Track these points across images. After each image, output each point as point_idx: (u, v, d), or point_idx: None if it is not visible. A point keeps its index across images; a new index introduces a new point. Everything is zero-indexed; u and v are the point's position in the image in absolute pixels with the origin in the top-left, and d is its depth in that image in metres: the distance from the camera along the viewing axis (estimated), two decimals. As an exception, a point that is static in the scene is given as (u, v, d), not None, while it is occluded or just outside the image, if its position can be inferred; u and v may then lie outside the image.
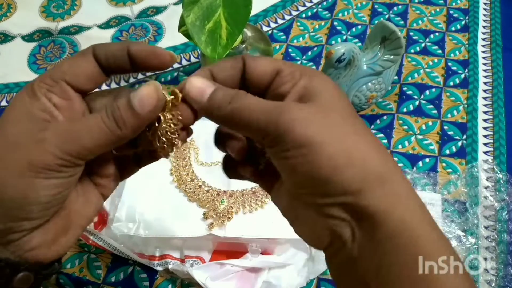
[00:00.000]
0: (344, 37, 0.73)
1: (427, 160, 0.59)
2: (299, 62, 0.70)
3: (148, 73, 0.70)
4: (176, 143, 0.27)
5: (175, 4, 0.81)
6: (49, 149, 0.24)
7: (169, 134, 0.26)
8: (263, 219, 0.49)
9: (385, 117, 0.63)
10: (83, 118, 0.26)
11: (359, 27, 0.75)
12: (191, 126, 0.28)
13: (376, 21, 0.73)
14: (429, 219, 0.24)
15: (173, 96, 0.26)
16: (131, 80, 0.70)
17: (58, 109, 0.26)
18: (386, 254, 0.23)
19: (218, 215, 0.50)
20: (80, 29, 0.78)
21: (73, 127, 0.25)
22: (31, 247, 0.26)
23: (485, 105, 0.64)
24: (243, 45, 0.60)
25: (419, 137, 0.61)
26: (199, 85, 0.26)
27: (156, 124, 0.26)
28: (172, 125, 0.26)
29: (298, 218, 0.27)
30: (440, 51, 0.70)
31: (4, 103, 0.69)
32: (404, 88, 0.66)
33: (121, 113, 0.25)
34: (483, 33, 0.73)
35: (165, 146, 0.27)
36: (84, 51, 0.27)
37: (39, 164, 0.24)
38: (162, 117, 0.26)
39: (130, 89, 0.28)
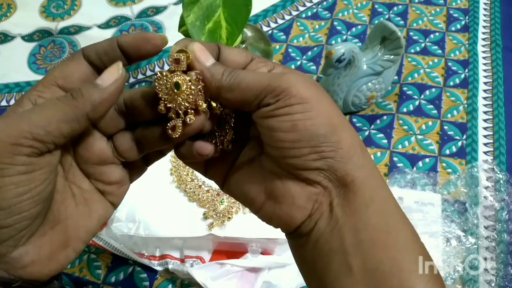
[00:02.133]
0: (344, 37, 0.73)
1: (427, 160, 0.59)
2: (299, 62, 0.70)
3: (148, 73, 0.70)
4: (200, 105, 0.25)
5: (175, 4, 0.81)
6: None
7: (191, 97, 0.25)
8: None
9: (385, 117, 0.63)
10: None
11: (359, 27, 0.75)
12: None
13: (376, 21, 0.73)
14: (388, 190, 0.27)
15: (181, 55, 0.25)
16: (131, 80, 0.70)
17: None
18: (363, 220, 0.25)
19: (218, 215, 0.50)
20: (80, 29, 0.78)
21: (26, 110, 0.24)
22: (23, 265, 0.24)
23: (485, 105, 0.64)
24: (243, 45, 0.60)
25: (419, 137, 0.61)
26: (202, 47, 0.26)
27: (175, 91, 0.25)
28: (192, 87, 0.25)
29: (272, 196, 0.27)
30: (440, 51, 0.70)
31: (4, 103, 0.69)
32: (404, 88, 0.66)
33: (81, 90, 0.24)
34: (483, 33, 0.73)
35: (189, 117, 0.25)
36: (73, 54, 0.27)
37: None
38: (180, 81, 0.25)
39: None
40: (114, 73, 0.25)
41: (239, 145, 0.29)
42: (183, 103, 0.25)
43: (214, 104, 0.27)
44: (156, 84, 0.25)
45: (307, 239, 0.26)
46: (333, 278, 0.25)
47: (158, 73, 0.25)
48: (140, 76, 0.70)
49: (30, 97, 0.25)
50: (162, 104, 0.25)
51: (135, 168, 0.30)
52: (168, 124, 0.25)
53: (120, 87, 0.25)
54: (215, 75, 0.25)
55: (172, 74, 0.25)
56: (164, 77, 0.25)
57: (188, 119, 0.25)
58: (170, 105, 0.25)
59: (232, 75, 0.25)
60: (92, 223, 0.27)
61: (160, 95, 0.25)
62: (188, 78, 0.25)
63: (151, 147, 0.28)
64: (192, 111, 0.25)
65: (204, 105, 0.25)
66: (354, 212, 0.25)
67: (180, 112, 0.25)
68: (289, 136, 0.25)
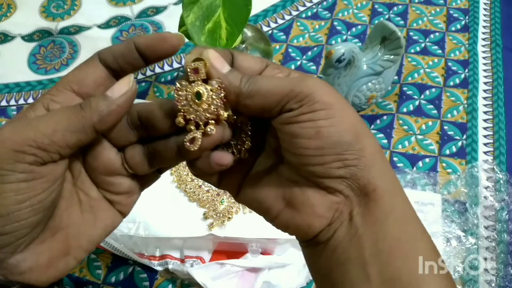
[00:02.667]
0: (344, 37, 0.73)
1: (427, 160, 0.59)
2: (299, 62, 0.70)
3: (148, 73, 0.70)
4: (222, 114, 0.24)
5: (175, 4, 0.81)
6: (1, 142, 0.22)
7: (213, 107, 0.24)
8: (263, 219, 0.49)
9: (385, 117, 0.63)
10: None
11: (359, 27, 0.75)
12: None
13: (376, 21, 0.73)
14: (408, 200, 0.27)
15: (200, 64, 0.24)
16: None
17: None
18: (383, 230, 0.24)
19: (218, 215, 0.50)
20: (80, 29, 0.78)
21: (32, 119, 0.23)
22: (21, 271, 0.24)
23: (485, 105, 0.64)
24: (243, 45, 0.60)
25: (419, 137, 0.61)
26: (217, 55, 0.25)
27: (196, 101, 0.24)
28: (213, 96, 0.24)
29: (290, 204, 0.26)
30: (440, 51, 0.70)
31: (4, 103, 0.69)
32: (404, 88, 0.66)
33: (90, 101, 0.24)
34: (483, 33, 0.73)
35: (209, 127, 0.24)
36: (89, 59, 0.26)
37: None
38: (201, 90, 0.24)
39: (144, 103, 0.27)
40: (124, 85, 0.24)
41: (254, 153, 0.28)
42: (204, 114, 0.24)
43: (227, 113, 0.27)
44: (176, 95, 0.24)
45: (324, 248, 0.26)
46: None
47: (177, 83, 0.24)
48: (140, 76, 0.70)
49: (43, 101, 0.24)
50: (180, 116, 0.24)
51: (147, 177, 0.29)
52: (186, 136, 0.24)
53: (130, 100, 0.24)
54: (233, 82, 0.24)
55: (192, 85, 0.24)
56: (184, 88, 0.24)
57: (208, 130, 0.24)
58: (190, 116, 0.24)
59: (250, 81, 0.24)
60: (96, 232, 0.27)
61: (180, 107, 0.24)
62: (209, 88, 0.24)
63: (164, 162, 0.27)
64: (213, 121, 0.24)
65: (226, 114, 0.25)
66: (375, 222, 0.25)
67: (201, 123, 0.24)
68: (312, 143, 0.24)
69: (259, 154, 0.29)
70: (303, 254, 0.29)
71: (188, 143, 0.24)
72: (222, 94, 0.24)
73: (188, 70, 0.24)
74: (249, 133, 0.28)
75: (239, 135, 0.27)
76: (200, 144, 0.24)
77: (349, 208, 0.25)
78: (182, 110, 0.24)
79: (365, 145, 0.25)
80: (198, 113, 0.24)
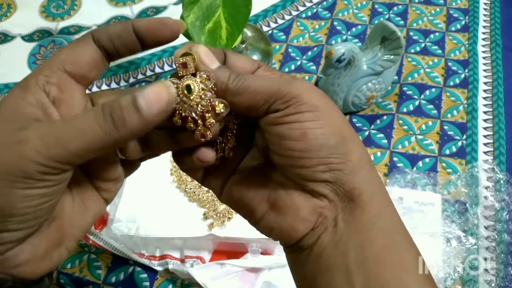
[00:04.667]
0: (344, 37, 0.73)
1: (427, 160, 0.59)
2: (299, 62, 0.70)
3: (148, 73, 0.70)
4: (220, 109, 0.24)
5: (175, 4, 0.81)
6: (29, 154, 0.21)
7: (204, 98, 0.24)
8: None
9: (385, 117, 0.63)
10: (75, 117, 0.23)
11: (359, 27, 0.75)
12: None
13: (376, 21, 0.73)
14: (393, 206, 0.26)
15: (188, 58, 0.24)
16: (131, 80, 0.70)
17: (56, 104, 0.23)
18: (370, 237, 0.24)
19: (218, 215, 0.50)
20: (80, 29, 0.78)
21: (60, 128, 0.22)
22: (16, 263, 0.23)
23: (485, 105, 0.64)
24: (243, 45, 0.60)
25: (419, 137, 0.61)
26: (207, 50, 0.25)
27: (187, 95, 0.24)
28: (202, 87, 0.24)
29: (275, 206, 0.26)
30: (440, 51, 0.70)
31: (4, 103, 0.69)
32: (404, 88, 0.66)
33: (122, 113, 0.22)
34: (483, 33, 0.73)
35: (208, 121, 0.24)
36: (82, 37, 0.25)
37: (17, 172, 0.21)
38: (191, 83, 0.24)
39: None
40: (163, 95, 0.23)
41: (240, 153, 0.28)
42: (197, 107, 0.24)
43: None
44: None
45: (308, 254, 0.25)
46: None
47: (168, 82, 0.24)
48: (140, 76, 0.70)
49: (38, 82, 0.23)
50: (177, 116, 0.24)
51: (130, 164, 0.29)
52: (195, 134, 0.24)
53: (165, 115, 0.23)
54: (220, 78, 0.24)
55: (182, 80, 0.24)
56: (175, 85, 0.24)
57: (208, 123, 0.24)
58: (185, 113, 0.24)
59: (239, 78, 0.24)
60: (86, 220, 0.26)
61: (174, 105, 0.24)
62: (199, 80, 0.24)
63: (158, 149, 0.27)
64: (209, 114, 0.24)
65: (221, 105, 0.24)
66: (361, 229, 0.24)
67: (197, 118, 0.24)
68: (298, 145, 0.24)
69: (245, 153, 0.28)
70: (287, 261, 0.28)
71: (200, 138, 0.24)
72: (212, 85, 0.24)
73: (177, 64, 0.24)
74: (235, 131, 0.27)
75: (225, 133, 0.27)
76: (212, 134, 0.24)
77: (333, 213, 0.25)
78: (177, 108, 0.24)
79: (351, 150, 0.24)
80: (192, 107, 0.24)
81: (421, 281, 0.24)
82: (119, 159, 0.27)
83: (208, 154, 0.26)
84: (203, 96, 0.24)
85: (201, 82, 0.24)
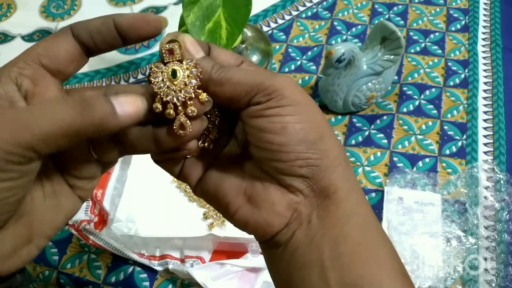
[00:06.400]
0: (344, 37, 0.73)
1: (427, 160, 0.59)
2: (299, 62, 0.70)
3: (148, 73, 0.70)
4: (203, 98, 0.23)
5: (175, 4, 0.81)
6: None
7: (189, 85, 0.23)
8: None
9: (385, 117, 0.63)
10: (41, 102, 0.22)
11: (359, 27, 0.75)
12: None
13: (376, 21, 0.73)
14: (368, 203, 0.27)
15: (175, 45, 0.23)
16: (131, 80, 0.70)
17: (28, 97, 0.23)
18: (344, 233, 0.24)
19: (218, 215, 0.50)
20: (80, 29, 0.78)
21: (25, 112, 0.21)
22: None
23: (485, 105, 0.64)
24: (243, 45, 0.60)
25: (419, 137, 0.61)
26: (193, 40, 0.25)
27: (172, 80, 0.23)
28: (188, 73, 0.23)
29: (251, 200, 0.26)
30: (440, 51, 0.70)
31: (4, 103, 0.69)
32: (404, 88, 0.66)
33: (92, 100, 0.21)
34: (483, 33, 0.73)
35: (190, 108, 0.23)
36: (60, 31, 0.24)
37: None
38: (177, 69, 0.23)
39: (123, 85, 0.26)
40: (135, 107, 0.22)
41: (219, 145, 0.28)
42: (181, 93, 0.23)
43: None
44: (151, 78, 0.23)
45: (283, 250, 0.26)
46: None
47: (152, 66, 0.24)
48: (140, 76, 0.70)
49: (10, 74, 0.22)
50: (158, 101, 0.23)
51: (108, 162, 0.27)
52: (175, 123, 0.23)
53: (133, 124, 0.23)
54: (204, 67, 0.24)
55: (167, 65, 0.24)
56: (160, 70, 0.23)
57: (189, 111, 0.23)
58: (167, 98, 0.23)
59: (222, 69, 0.24)
60: (58, 218, 0.25)
61: (156, 89, 0.23)
62: (185, 67, 0.23)
63: (136, 150, 0.25)
64: (191, 102, 0.23)
65: (205, 94, 0.24)
66: (335, 225, 0.24)
67: (178, 104, 0.23)
68: (277, 138, 0.24)
69: (223, 146, 0.28)
70: (264, 258, 0.28)
71: (179, 130, 0.23)
72: (198, 72, 0.23)
73: (163, 51, 0.24)
74: (216, 123, 0.27)
75: (207, 125, 0.27)
76: (192, 128, 0.23)
77: (308, 209, 0.25)
78: (159, 93, 0.23)
79: (329, 147, 0.25)
80: (174, 92, 0.23)
81: (393, 277, 0.24)
82: (93, 158, 0.26)
83: (191, 143, 0.25)
84: (187, 83, 0.23)
85: (187, 69, 0.24)
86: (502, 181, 0.56)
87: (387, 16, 0.76)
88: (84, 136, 0.22)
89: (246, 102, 0.24)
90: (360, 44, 0.71)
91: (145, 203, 0.51)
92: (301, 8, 0.78)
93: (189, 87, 0.23)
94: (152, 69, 0.24)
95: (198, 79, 0.23)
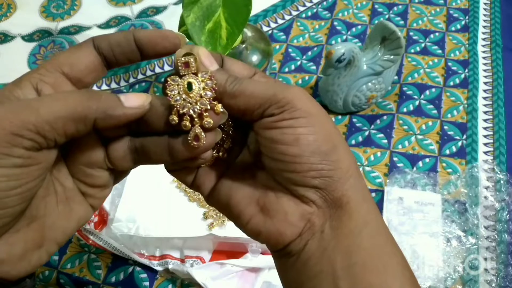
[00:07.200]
0: (344, 37, 0.73)
1: (427, 160, 0.59)
2: (299, 62, 0.70)
3: (148, 73, 0.70)
4: (219, 109, 0.24)
5: (175, 4, 0.81)
6: None
7: (205, 97, 0.24)
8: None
9: (385, 117, 0.63)
10: (52, 93, 0.23)
11: (359, 27, 0.75)
12: None
13: (376, 21, 0.73)
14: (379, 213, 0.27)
15: (191, 58, 0.24)
16: (131, 80, 0.70)
17: None
18: (356, 243, 0.25)
19: (218, 215, 0.50)
20: (80, 29, 0.78)
21: (33, 99, 0.22)
22: None
23: (485, 105, 0.64)
24: (243, 45, 0.60)
25: (419, 137, 0.61)
26: (207, 52, 0.25)
27: (187, 92, 0.23)
28: (203, 85, 0.24)
29: (264, 210, 0.26)
30: (440, 51, 0.70)
31: (4, 103, 0.69)
32: (404, 88, 0.66)
33: (100, 94, 0.22)
34: (483, 33, 0.73)
35: (206, 120, 0.23)
36: (82, 43, 0.25)
37: None
38: (192, 81, 0.23)
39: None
40: (140, 100, 0.24)
41: (231, 154, 0.28)
42: (196, 105, 0.23)
43: None
44: (168, 91, 0.24)
45: (295, 260, 0.26)
46: None
47: (168, 79, 0.24)
48: (140, 76, 0.70)
49: (31, 80, 0.23)
50: (174, 114, 0.24)
51: (121, 171, 0.28)
52: (189, 134, 0.24)
53: (137, 116, 0.24)
54: (219, 80, 0.24)
55: (183, 78, 0.24)
56: (176, 83, 0.24)
57: (206, 122, 0.24)
58: (183, 111, 0.23)
59: (236, 81, 0.25)
60: (70, 225, 0.25)
61: (172, 102, 0.24)
62: (200, 79, 0.24)
63: (149, 160, 0.25)
64: (207, 113, 0.24)
65: (220, 105, 0.24)
66: (347, 235, 0.25)
67: (195, 116, 0.23)
68: (290, 150, 0.24)
69: (236, 156, 0.29)
70: (275, 266, 0.28)
71: (194, 142, 0.24)
72: (213, 84, 0.24)
73: (179, 64, 0.24)
74: (230, 133, 0.28)
75: (220, 136, 0.27)
76: (206, 140, 0.24)
77: (321, 219, 0.25)
78: (175, 106, 0.24)
79: (341, 157, 0.25)
80: (190, 104, 0.23)
81: (404, 284, 0.24)
82: (106, 166, 0.26)
83: (206, 153, 0.25)
84: (203, 95, 0.24)
85: (202, 81, 0.24)
86: (502, 181, 0.56)
87: (387, 16, 0.76)
88: (90, 122, 0.22)
89: (260, 114, 0.25)
90: (360, 44, 0.71)
91: (145, 203, 0.51)
92: (301, 8, 0.78)
93: (204, 99, 0.24)
94: (168, 82, 0.24)
95: (213, 91, 0.24)
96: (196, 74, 0.24)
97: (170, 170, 0.27)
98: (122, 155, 0.25)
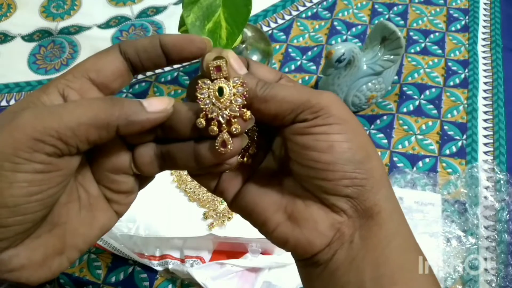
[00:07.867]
0: (344, 37, 0.73)
1: (427, 160, 0.59)
2: (299, 62, 0.70)
3: (148, 73, 0.70)
4: (248, 116, 0.23)
5: (175, 4, 0.81)
6: (19, 125, 0.20)
7: (235, 103, 0.23)
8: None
9: (385, 117, 0.63)
10: (76, 100, 0.23)
11: (359, 27, 0.75)
12: None
13: (376, 21, 0.73)
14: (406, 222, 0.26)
15: (222, 62, 0.24)
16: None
17: None
18: (385, 254, 0.24)
19: (218, 215, 0.50)
20: (80, 29, 0.78)
21: (58, 105, 0.22)
22: (11, 268, 0.22)
23: (485, 105, 0.64)
24: (243, 45, 0.60)
25: (419, 137, 0.61)
26: (236, 56, 0.25)
27: (218, 97, 0.23)
28: (234, 91, 0.23)
29: (292, 218, 0.25)
30: (440, 51, 0.70)
31: (4, 103, 0.69)
32: (404, 88, 0.66)
33: (122, 100, 0.22)
34: (483, 33, 0.73)
35: (234, 126, 0.23)
36: (108, 48, 0.25)
37: (6, 149, 0.20)
38: (223, 86, 0.23)
39: None
40: (163, 104, 0.23)
41: (255, 160, 0.28)
42: (226, 111, 0.23)
43: None
44: (198, 93, 0.23)
45: (322, 270, 0.25)
46: None
47: (199, 82, 0.24)
48: (140, 76, 0.70)
49: (58, 86, 0.23)
50: (202, 117, 0.23)
51: (146, 177, 0.28)
52: (217, 140, 0.23)
53: (161, 120, 0.23)
54: (249, 84, 0.24)
55: (214, 82, 0.24)
56: (206, 86, 0.24)
57: (233, 129, 0.23)
58: (212, 115, 0.23)
59: (267, 86, 0.24)
60: (92, 232, 0.25)
61: (202, 106, 0.23)
62: (232, 84, 0.23)
63: (175, 166, 0.25)
64: (235, 120, 0.23)
65: (249, 112, 0.24)
66: (377, 246, 0.24)
67: (223, 122, 0.23)
68: (323, 157, 0.24)
69: (260, 161, 0.28)
70: (299, 275, 0.28)
71: (221, 148, 0.24)
72: (245, 91, 0.24)
73: (211, 68, 0.24)
74: (255, 138, 0.27)
75: (247, 142, 0.27)
76: (233, 146, 0.23)
77: (351, 229, 0.25)
78: (204, 109, 0.23)
79: (374, 166, 0.24)
80: (220, 110, 0.23)
81: None
82: (132, 172, 0.26)
83: (232, 158, 0.25)
84: (233, 101, 0.23)
85: (234, 87, 0.24)
86: (502, 181, 0.56)
87: (387, 16, 0.76)
88: (113, 129, 0.22)
89: (291, 119, 0.24)
90: (360, 44, 0.71)
91: (145, 203, 0.51)
92: (301, 8, 0.78)
93: (234, 105, 0.23)
94: (199, 85, 0.24)
95: (243, 98, 0.24)
96: (227, 78, 0.24)
97: (193, 175, 0.27)
98: (148, 160, 0.25)
